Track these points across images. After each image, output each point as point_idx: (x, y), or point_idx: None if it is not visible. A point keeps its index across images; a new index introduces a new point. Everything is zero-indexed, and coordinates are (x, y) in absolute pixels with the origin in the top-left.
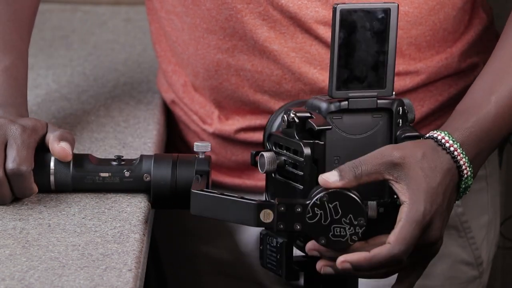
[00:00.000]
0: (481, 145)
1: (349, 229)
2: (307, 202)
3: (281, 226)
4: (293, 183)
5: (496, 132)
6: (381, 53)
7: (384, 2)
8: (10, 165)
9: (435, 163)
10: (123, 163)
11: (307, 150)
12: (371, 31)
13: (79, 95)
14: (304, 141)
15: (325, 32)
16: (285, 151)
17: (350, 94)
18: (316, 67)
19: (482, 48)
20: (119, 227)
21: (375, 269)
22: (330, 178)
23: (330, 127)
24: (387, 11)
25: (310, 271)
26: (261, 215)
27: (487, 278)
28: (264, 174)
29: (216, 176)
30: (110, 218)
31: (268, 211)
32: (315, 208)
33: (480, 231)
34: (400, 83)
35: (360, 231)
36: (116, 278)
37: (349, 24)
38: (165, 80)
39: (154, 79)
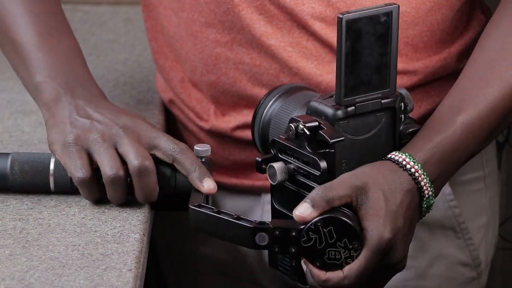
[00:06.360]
0: (443, 166)
1: (344, 252)
2: (302, 226)
3: (277, 249)
4: (305, 192)
5: (461, 153)
6: (384, 55)
7: (385, 5)
8: (135, 162)
9: (395, 184)
10: None
11: (323, 164)
12: (375, 35)
13: None
14: (318, 152)
15: (322, 29)
16: (294, 160)
17: (357, 99)
18: (313, 62)
19: None
20: (119, 227)
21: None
22: (305, 212)
23: (343, 138)
24: (389, 14)
25: None
26: (257, 238)
27: (485, 279)
28: (262, 174)
29: (214, 176)
30: (110, 218)
31: (264, 234)
32: (310, 233)
33: (478, 232)
34: (398, 81)
35: (355, 254)
36: (116, 278)
37: (354, 32)
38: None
39: (153, 79)
